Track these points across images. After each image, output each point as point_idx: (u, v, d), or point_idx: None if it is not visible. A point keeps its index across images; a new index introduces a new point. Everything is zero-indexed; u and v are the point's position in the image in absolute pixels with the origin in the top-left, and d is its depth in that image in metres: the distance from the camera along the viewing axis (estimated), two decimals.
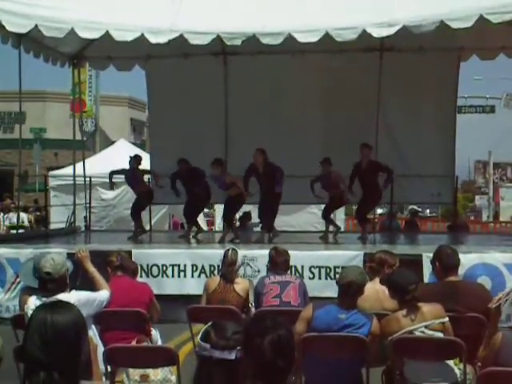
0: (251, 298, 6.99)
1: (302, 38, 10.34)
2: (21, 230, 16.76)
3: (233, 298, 6.92)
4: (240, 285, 7.06)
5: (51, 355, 2.81)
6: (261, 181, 12.24)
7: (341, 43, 10.73)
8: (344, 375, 5.34)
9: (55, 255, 5.54)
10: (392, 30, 10.05)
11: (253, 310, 6.88)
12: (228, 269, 7.17)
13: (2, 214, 20.89)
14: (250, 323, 2.99)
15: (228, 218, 13.14)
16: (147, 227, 16.68)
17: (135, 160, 13.48)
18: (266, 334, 2.80)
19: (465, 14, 9.86)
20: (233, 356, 2.92)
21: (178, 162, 13.00)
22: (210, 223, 21.91)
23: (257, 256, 9.95)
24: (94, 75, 31.53)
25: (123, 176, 14.03)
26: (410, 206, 18.36)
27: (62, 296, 5.01)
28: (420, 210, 18.91)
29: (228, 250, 7.34)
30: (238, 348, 2.92)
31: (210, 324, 3.08)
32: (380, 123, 14.63)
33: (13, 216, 18.58)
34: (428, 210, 43.82)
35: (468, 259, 9.26)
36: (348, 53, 13.36)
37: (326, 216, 13.22)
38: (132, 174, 13.52)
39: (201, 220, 18.38)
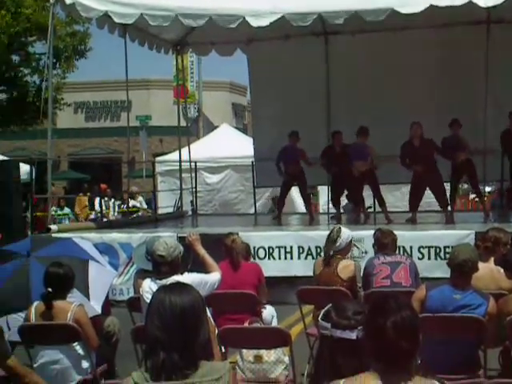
0: (358, 280, 6.84)
1: (405, 11, 10.10)
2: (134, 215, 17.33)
3: (337, 283, 6.78)
4: (345, 268, 6.74)
5: (171, 336, 2.86)
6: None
7: (446, 17, 10.43)
8: (460, 356, 5.21)
9: (168, 238, 5.65)
10: (499, 0, 9.68)
11: (361, 292, 6.75)
12: (329, 246, 6.96)
13: (112, 201, 21.62)
14: (373, 303, 2.95)
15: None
16: (251, 210, 16.87)
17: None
18: (390, 315, 2.76)
19: None
20: (354, 336, 2.90)
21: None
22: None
23: (364, 237, 9.85)
24: (195, 61, 31.94)
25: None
26: None
27: (176, 278, 5.11)
28: None
29: (333, 228, 7.21)
30: (359, 328, 2.89)
31: (330, 304, 3.06)
32: (489, 99, 14.13)
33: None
34: None
35: None
36: (453, 27, 12.99)
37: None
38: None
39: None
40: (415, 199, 12.36)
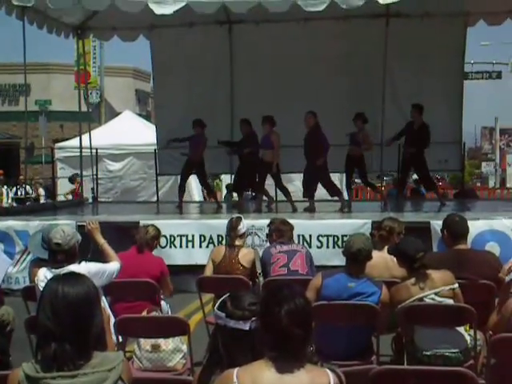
0: (258, 267, 6.97)
1: (307, 6, 10.26)
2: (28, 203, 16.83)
3: (238, 270, 6.91)
4: (246, 256, 7.02)
5: (63, 326, 2.83)
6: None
7: (347, 10, 10.64)
8: (354, 343, 5.36)
9: (65, 226, 5.54)
10: None
11: (261, 279, 6.87)
12: (231, 234, 7.18)
13: (5, 187, 20.95)
14: (267, 293, 3.00)
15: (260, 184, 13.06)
16: (154, 198, 16.77)
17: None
18: (283, 303, 2.82)
19: None
20: (247, 327, 2.94)
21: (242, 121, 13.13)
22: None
23: (264, 225, 9.94)
24: (98, 46, 31.36)
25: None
26: (414, 175, 18.32)
27: (72, 267, 5.03)
28: None
29: (232, 217, 7.38)
30: (253, 319, 2.93)
31: (228, 294, 3.09)
32: (387, 90, 14.51)
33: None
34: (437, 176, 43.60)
35: (476, 226, 9.26)
36: (354, 19, 13.27)
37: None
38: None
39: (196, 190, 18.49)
40: (311, 188, 12.58)
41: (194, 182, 17.13)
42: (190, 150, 13.13)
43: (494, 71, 38.47)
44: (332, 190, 12.76)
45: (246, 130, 13.06)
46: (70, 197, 18.57)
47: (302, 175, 12.78)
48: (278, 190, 13.54)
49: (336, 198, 12.88)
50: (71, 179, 18.60)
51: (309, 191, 12.50)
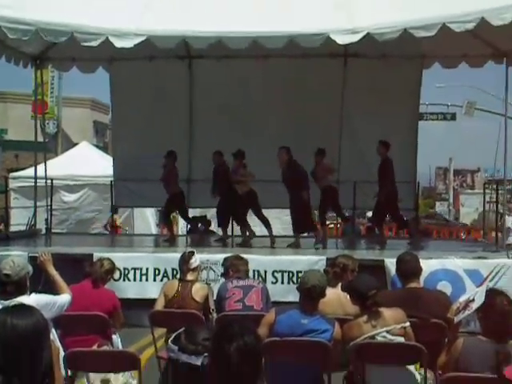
0: (211, 303, 6.95)
1: (267, 44, 10.38)
2: None
3: (191, 305, 6.86)
4: (199, 291, 6.97)
5: (11, 359, 2.77)
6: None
7: (305, 48, 10.79)
8: (306, 380, 5.35)
9: (15, 257, 5.49)
10: (356, 37, 10.11)
11: (214, 315, 6.84)
12: (183, 268, 7.15)
13: None
14: (218, 329, 2.99)
15: (242, 217, 13.05)
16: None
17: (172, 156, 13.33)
18: (233, 339, 2.80)
19: (428, 22, 9.96)
20: (199, 362, 2.92)
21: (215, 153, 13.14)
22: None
23: (219, 260, 9.91)
24: (56, 76, 31.21)
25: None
26: (369, 212, 18.47)
27: (22, 299, 4.95)
28: None
29: (185, 251, 7.38)
30: (206, 355, 2.91)
31: (183, 328, 3.07)
32: (343, 128, 14.74)
33: None
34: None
35: (429, 265, 9.36)
36: (312, 58, 13.42)
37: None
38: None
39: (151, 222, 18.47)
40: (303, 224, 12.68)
41: (150, 214, 17.07)
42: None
43: (449, 113, 39.17)
44: (310, 225, 12.86)
45: (218, 161, 13.16)
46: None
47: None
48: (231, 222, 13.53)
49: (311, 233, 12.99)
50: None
51: (301, 227, 12.61)
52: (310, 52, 12.04)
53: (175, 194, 13.47)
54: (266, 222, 12.89)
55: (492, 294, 4.65)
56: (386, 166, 12.78)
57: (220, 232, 14.25)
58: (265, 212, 12.99)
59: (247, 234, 13.11)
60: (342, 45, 10.90)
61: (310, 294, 5.46)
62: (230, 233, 13.68)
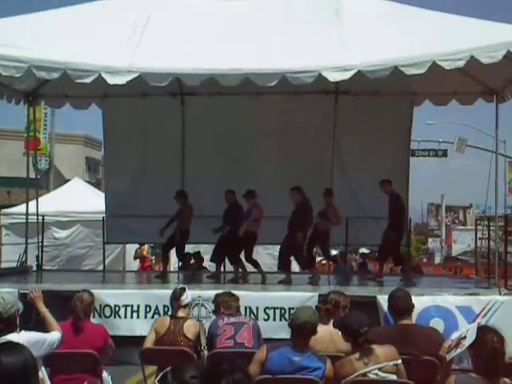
0: (203, 340, 6.90)
1: (259, 81, 10.46)
2: None
3: (182, 342, 6.81)
4: (190, 328, 6.93)
5: None
6: None
7: (297, 86, 10.87)
8: None
9: (5, 294, 5.45)
10: (347, 75, 10.20)
11: (205, 352, 6.79)
12: (174, 304, 7.11)
13: None
14: (207, 366, 2.97)
15: (237, 257, 13.05)
16: (100, 267, 16.56)
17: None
18: (222, 377, 2.78)
19: (418, 60, 10.07)
20: None
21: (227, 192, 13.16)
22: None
23: (211, 297, 9.86)
24: (49, 113, 31.32)
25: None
26: (361, 250, 18.46)
27: (11, 336, 4.91)
28: (369, 251, 19.02)
29: (176, 287, 7.36)
30: None
31: (170, 367, 3.05)
32: (335, 165, 14.79)
33: None
34: None
35: (421, 302, 9.33)
36: (304, 95, 13.52)
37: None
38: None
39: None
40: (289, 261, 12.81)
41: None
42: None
43: (440, 149, 39.45)
44: (305, 262, 12.85)
45: (230, 199, 13.16)
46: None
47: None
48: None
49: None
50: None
51: (286, 264, 12.63)
52: (302, 89, 12.14)
53: (187, 231, 13.48)
54: (254, 264, 12.94)
55: (483, 330, 4.63)
56: (393, 201, 12.81)
57: (212, 268, 14.21)
58: (258, 247, 12.99)
59: (240, 270, 13.08)
60: (333, 82, 11.00)
61: (302, 331, 5.43)
62: (222, 269, 13.65)
